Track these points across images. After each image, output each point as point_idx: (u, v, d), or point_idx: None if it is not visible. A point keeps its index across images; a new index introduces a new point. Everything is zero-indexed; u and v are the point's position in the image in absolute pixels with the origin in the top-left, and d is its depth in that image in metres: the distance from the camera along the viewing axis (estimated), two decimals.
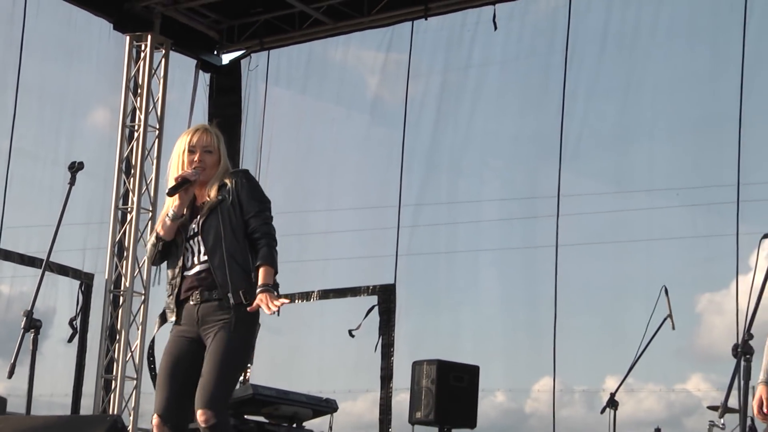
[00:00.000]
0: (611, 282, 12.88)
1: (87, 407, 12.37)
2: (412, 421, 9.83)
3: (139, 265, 12.85)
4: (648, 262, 12.48)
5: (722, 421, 8.44)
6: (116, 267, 12.77)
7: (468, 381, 9.80)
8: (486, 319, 13.22)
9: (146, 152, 13.08)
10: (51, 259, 11.30)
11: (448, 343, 12.51)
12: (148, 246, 5.88)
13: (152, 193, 13.05)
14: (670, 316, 8.63)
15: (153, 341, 5.53)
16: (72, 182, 6.68)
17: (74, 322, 12.11)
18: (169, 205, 5.75)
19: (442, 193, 13.52)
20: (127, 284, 12.70)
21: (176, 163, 5.79)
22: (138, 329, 12.73)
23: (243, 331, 5.67)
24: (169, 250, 5.80)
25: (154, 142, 13.23)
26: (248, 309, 5.55)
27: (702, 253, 12.15)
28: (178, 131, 13.62)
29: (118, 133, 13.09)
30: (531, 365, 12.84)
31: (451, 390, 9.64)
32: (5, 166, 12.31)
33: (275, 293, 5.62)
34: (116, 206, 12.83)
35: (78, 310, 12.25)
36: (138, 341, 12.66)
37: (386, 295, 12.16)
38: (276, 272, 5.69)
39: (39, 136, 13.18)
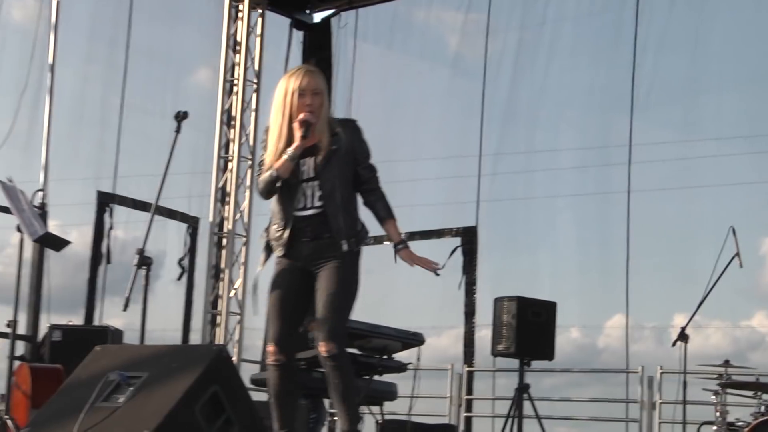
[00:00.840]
0: (681, 225, 12.77)
1: (195, 341, 12.53)
2: (494, 353, 9.81)
3: (240, 209, 12.92)
4: (715, 206, 12.41)
5: None
6: (219, 211, 12.86)
7: (546, 316, 9.70)
8: (562, 259, 13.25)
9: (245, 105, 13.10)
10: (161, 204, 11.61)
11: (527, 281, 12.53)
12: (263, 181, 5.71)
13: (251, 143, 13.04)
14: (737, 254, 8.55)
15: (258, 273, 5.56)
16: (177, 130, 6.73)
17: (182, 262, 12.24)
18: (273, 145, 5.64)
19: (520, 143, 13.44)
20: (230, 227, 12.77)
21: (282, 105, 5.64)
22: (240, 268, 12.87)
23: (353, 270, 5.66)
24: (280, 187, 5.70)
25: (252, 95, 13.24)
26: (407, 260, 5.65)
27: (764, 197, 12.05)
28: (275, 85, 13.89)
29: (219, 87, 13.14)
30: (604, 303, 12.84)
31: (530, 324, 9.56)
32: (117, 119, 12.49)
33: (402, 246, 5.68)
34: (218, 155, 12.88)
35: (186, 251, 12.39)
36: (240, 279, 12.79)
37: (469, 237, 12.15)
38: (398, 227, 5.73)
39: (147, 91, 13.31)
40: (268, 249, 5.85)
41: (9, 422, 7.19)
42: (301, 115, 5.58)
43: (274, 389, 5.68)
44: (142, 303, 6.69)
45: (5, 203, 7.46)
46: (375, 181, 5.74)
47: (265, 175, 5.67)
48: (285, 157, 5.57)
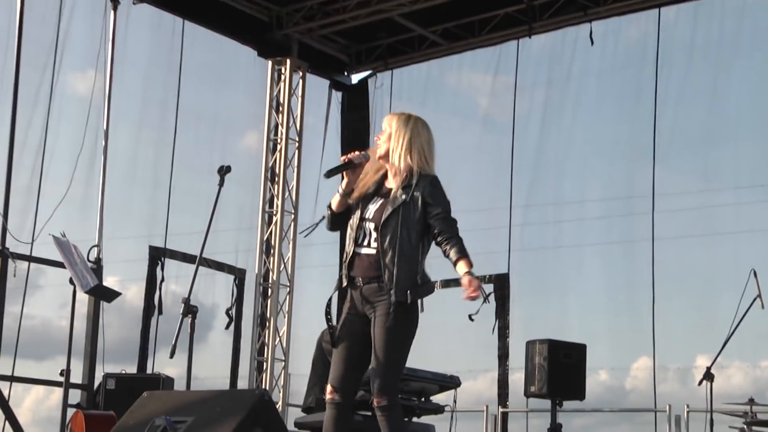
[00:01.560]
0: (703, 270, 12.64)
1: (242, 387, 12.44)
2: (527, 394, 9.75)
3: (284, 260, 12.94)
4: (736, 251, 12.25)
5: None
6: (264, 263, 12.88)
7: (576, 358, 9.65)
8: (590, 304, 13.15)
9: (288, 162, 13.17)
10: (210, 258, 11.59)
11: (557, 325, 12.37)
12: (325, 213, 5.68)
13: (294, 198, 13.10)
14: (759, 296, 8.43)
15: (330, 300, 5.48)
16: (221, 184, 6.65)
17: (230, 312, 12.22)
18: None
19: (548, 194, 13.37)
20: (275, 278, 12.80)
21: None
22: (284, 317, 12.89)
23: (404, 321, 5.37)
24: (342, 222, 5.59)
25: (294, 153, 13.33)
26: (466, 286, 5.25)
27: None
28: (316, 144, 13.92)
29: (263, 145, 13.21)
30: (630, 345, 12.66)
31: (561, 366, 9.50)
32: (168, 178, 12.53)
33: (476, 277, 5.30)
34: (263, 209, 12.93)
35: (233, 301, 12.34)
36: (285, 327, 12.82)
37: (501, 283, 12.05)
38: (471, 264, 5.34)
39: (196, 151, 13.34)
40: (340, 282, 5.65)
41: None
42: (350, 154, 5.54)
43: (329, 428, 5.51)
44: (188, 348, 6.55)
45: (60, 258, 7.40)
46: (449, 232, 5.39)
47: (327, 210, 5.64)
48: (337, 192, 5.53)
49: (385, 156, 5.48)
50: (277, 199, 12.96)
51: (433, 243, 5.48)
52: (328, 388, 5.50)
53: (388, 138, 5.47)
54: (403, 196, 5.37)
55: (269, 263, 12.84)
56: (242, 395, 5.91)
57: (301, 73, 13.51)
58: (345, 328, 5.53)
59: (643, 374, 12.42)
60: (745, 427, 8.42)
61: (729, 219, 12.30)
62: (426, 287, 5.42)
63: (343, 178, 5.57)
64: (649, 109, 12.33)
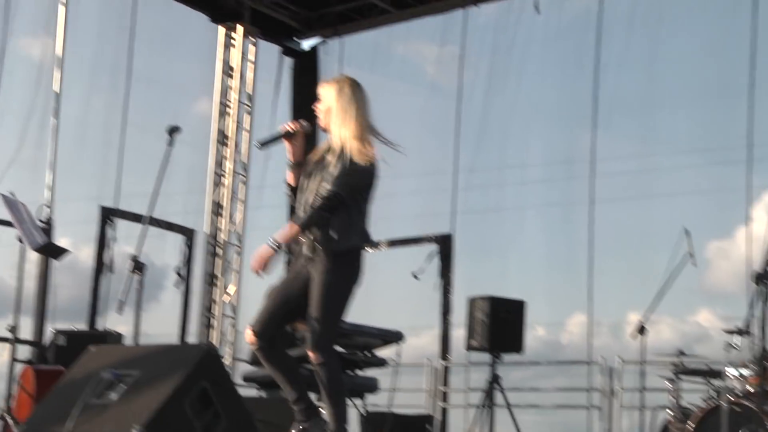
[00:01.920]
0: (639, 231, 12.72)
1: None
2: (469, 348, 9.77)
3: (234, 220, 12.91)
4: (671, 213, 12.31)
5: (738, 341, 8.40)
6: (214, 223, 12.87)
7: (515, 314, 9.66)
8: (530, 263, 13.23)
9: (239, 125, 13.12)
10: (161, 218, 11.49)
11: (498, 283, 12.45)
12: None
13: (244, 160, 13.05)
14: (691, 254, 8.50)
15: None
16: (170, 144, 6.56)
17: (180, 271, 12.12)
18: None
19: (492, 158, 13.41)
20: (224, 237, 12.75)
21: None
22: (234, 275, 12.88)
23: (339, 278, 5.36)
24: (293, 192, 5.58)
25: (245, 116, 13.27)
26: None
27: (714, 206, 12.08)
28: (267, 109, 13.84)
29: (214, 109, 13.14)
30: (567, 302, 12.81)
31: (502, 321, 9.51)
32: (119, 140, 12.43)
33: (273, 247, 5.31)
34: (214, 171, 12.86)
35: (183, 261, 12.27)
36: (234, 285, 12.80)
37: (445, 242, 12.09)
38: (301, 231, 5.34)
39: (147, 114, 13.22)
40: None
41: (9, 420, 7.03)
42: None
43: (269, 368, 5.50)
44: (137, 305, 6.52)
45: (7, 217, 7.28)
46: (323, 198, 5.35)
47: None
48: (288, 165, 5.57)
49: (325, 128, 5.50)
50: (228, 161, 12.91)
51: (366, 204, 5.47)
52: (248, 331, 5.43)
53: (326, 110, 5.45)
54: (325, 160, 5.39)
55: (219, 223, 12.80)
56: (189, 349, 5.97)
57: (252, 39, 13.41)
58: (286, 276, 5.55)
59: (577, 329, 12.59)
60: (674, 376, 8.56)
61: (665, 182, 12.43)
62: (355, 240, 5.37)
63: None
64: (590, 76, 12.36)
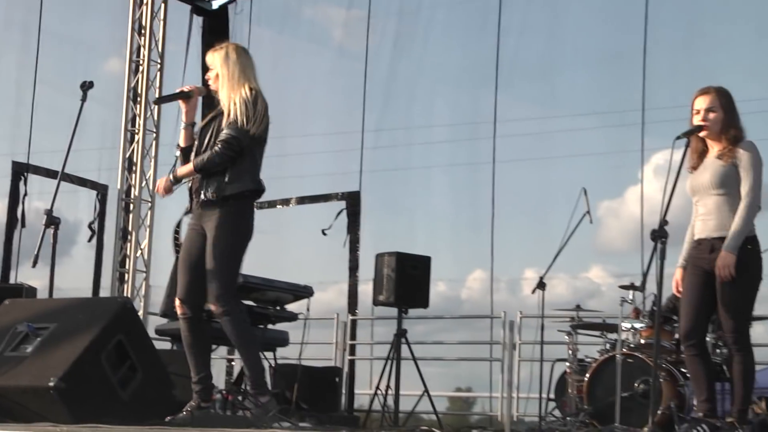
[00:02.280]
0: (539, 191, 13.02)
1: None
2: (376, 303, 9.75)
3: (146, 177, 12.75)
4: (569, 173, 12.64)
5: (631, 296, 8.60)
6: (127, 179, 12.65)
7: (421, 269, 9.64)
8: (435, 221, 13.37)
9: (150, 83, 12.88)
10: (74, 174, 11.28)
11: (405, 240, 12.67)
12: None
13: (155, 117, 12.87)
14: (588, 212, 8.57)
15: (179, 223, 5.76)
16: (83, 99, 6.46)
17: (92, 226, 11.98)
18: None
19: (399, 119, 13.43)
20: (136, 193, 12.61)
21: None
22: (146, 230, 12.71)
23: (231, 222, 5.52)
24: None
25: (156, 74, 13.05)
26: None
27: (608, 167, 12.34)
28: (178, 67, 13.63)
29: (125, 66, 12.88)
30: (469, 259, 12.99)
31: (408, 277, 9.48)
32: (31, 97, 12.18)
33: (170, 178, 5.64)
34: (125, 128, 12.64)
35: (95, 216, 12.08)
36: (146, 240, 12.66)
37: (353, 200, 12.03)
38: (196, 170, 5.55)
39: (59, 72, 13.01)
40: (188, 211, 5.87)
41: None
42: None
43: (186, 340, 5.66)
44: (51, 259, 6.44)
45: None
46: (223, 141, 5.48)
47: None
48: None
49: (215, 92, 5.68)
50: (139, 118, 12.67)
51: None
52: (177, 302, 5.62)
53: (215, 76, 5.63)
54: (213, 115, 5.62)
55: (131, 180, 12.62)
56: (105, 303, 5.99)
57: None
58: (187, 242, 5.70)
59: (477, 285, 12.70)
60: (571, 330, 8.71)
61: (564, 143, 12.61)
62: (241, 188, 5.52)
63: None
64: (492, 39, 12.38)
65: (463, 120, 13.09)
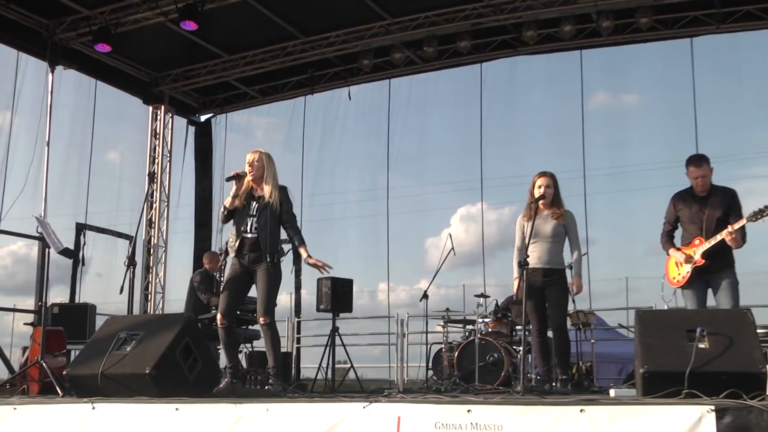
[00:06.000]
0: (419, 235, 13.42)
1: (135, 310, 11.88)
2: (318, 310, 9.46)
3: (161, 230, 12.57)
4: (436, 223, 13.41)
5: (482, 300, 8.36)
6: (148, 232, 12.53)
7: (347, 287, 9.46)
8: (351, 255, 13.35)
9: (162, 169, 12.74)
10: (112, 228, 11.08)
11: (335, 266, 12.50)
12: (221, 211, 5.68)
13: (166, 191, 12.74)
14: (453, 249, 8.60)
15: (225, 263, 5.57)
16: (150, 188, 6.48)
17: (127, 263, 11.72)
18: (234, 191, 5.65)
19: (325, 188, 13.30)
20: (155, 241, 12.51)
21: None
22: (162, 266, 12.57)
23: (276, 272, 5.54)
24: (232, 215, 5.59)
25: (167, 163, 12.90)
26: (313, 264, 5.45)
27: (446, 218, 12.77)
28: (180, 158, 13.54)
29: (146, 159, 12.75)
30: (376, 275, 13.01)
31: (339, 293, 9.27)
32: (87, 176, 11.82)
33: (308, 252, 5.50)
34: (146, 199, 12.27)
35: (128, 256, 11.85)
36: (162, 272, 12.50)
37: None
38: (299, 243, 5.53)
39: (102, 161, 12.57)
40: (227, 252, 5.75)
41: (44, 364, 6.55)
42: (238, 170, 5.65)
43: (223, 342, 5.61)
44: (129, 288, 6.22)
45: (41, 231, 6.75)
46: (292, 222, 5.57)
47: (222, 209, 5.71)
48: (230, 196, 5.64)
49: (256, 180, 5.64)
50: (156, 192, 12.64)
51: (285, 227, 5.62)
52: (219, 316, 5.49)
53: (259, 168, 5.58)
54: (270, 199, 5.53)
55: (151, 232, 12.58)
56: (176, 317, 5.65)
57: (170, 114, 13.19)
58: (232, 275, 5.57)
59: (382, 295, 12.69)
60: (444, 324, 8.73)
61: (432, 204, 12.98)
62: (282, 251, 5.64)
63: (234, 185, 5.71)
64: (384, 138, 12.54)
65: (367, 188, 13.20)
